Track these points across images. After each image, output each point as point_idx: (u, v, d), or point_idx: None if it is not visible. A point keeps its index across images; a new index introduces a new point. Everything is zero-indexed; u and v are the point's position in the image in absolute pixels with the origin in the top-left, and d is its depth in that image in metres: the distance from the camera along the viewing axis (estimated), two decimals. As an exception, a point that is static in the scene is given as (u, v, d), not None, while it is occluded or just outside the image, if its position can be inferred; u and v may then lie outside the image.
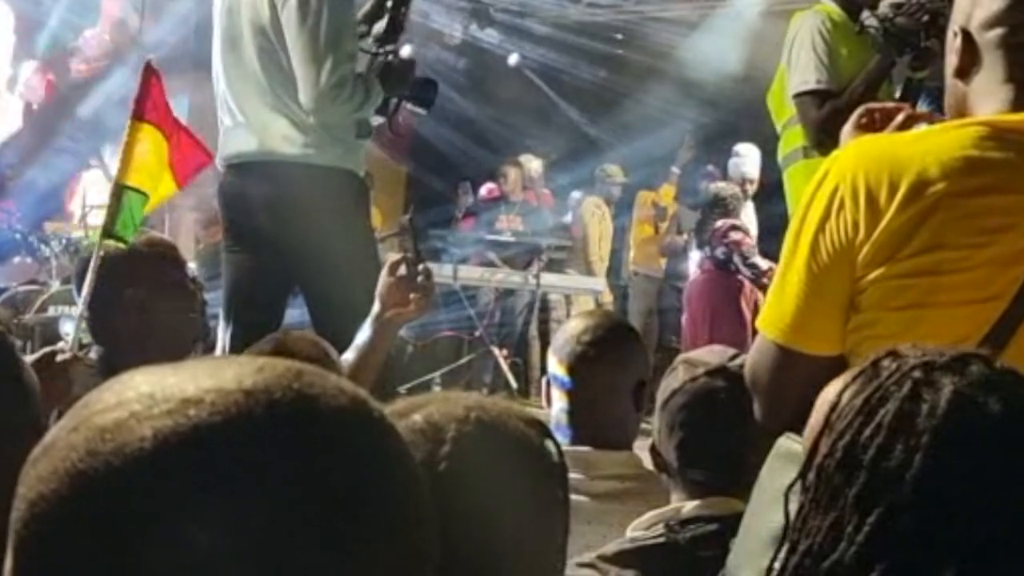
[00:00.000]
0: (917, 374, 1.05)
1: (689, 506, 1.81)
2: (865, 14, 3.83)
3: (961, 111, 1.56)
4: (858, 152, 1.53)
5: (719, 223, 6.64)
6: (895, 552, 1.00)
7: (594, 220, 8.76)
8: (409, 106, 3.78)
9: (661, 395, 1.92)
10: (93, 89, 7.92)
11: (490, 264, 8.28)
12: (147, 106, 2.60)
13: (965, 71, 1.54)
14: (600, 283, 8.48)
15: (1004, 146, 1.43)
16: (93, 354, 2.46)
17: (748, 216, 7.09)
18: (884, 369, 1.08)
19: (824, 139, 3.56)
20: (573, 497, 2.07)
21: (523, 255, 8.38)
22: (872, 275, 1.44)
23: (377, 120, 3.70)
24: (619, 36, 10.12)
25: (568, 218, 9.07)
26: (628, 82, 9.98)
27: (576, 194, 9.29)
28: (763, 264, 6.24)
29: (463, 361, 8.06)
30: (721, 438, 1.82)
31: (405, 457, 0.71)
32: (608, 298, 8.62)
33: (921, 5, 3.53)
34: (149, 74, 2.64)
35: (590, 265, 8.68)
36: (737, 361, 1.85)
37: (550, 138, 10.01)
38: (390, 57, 3.67)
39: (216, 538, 0.61)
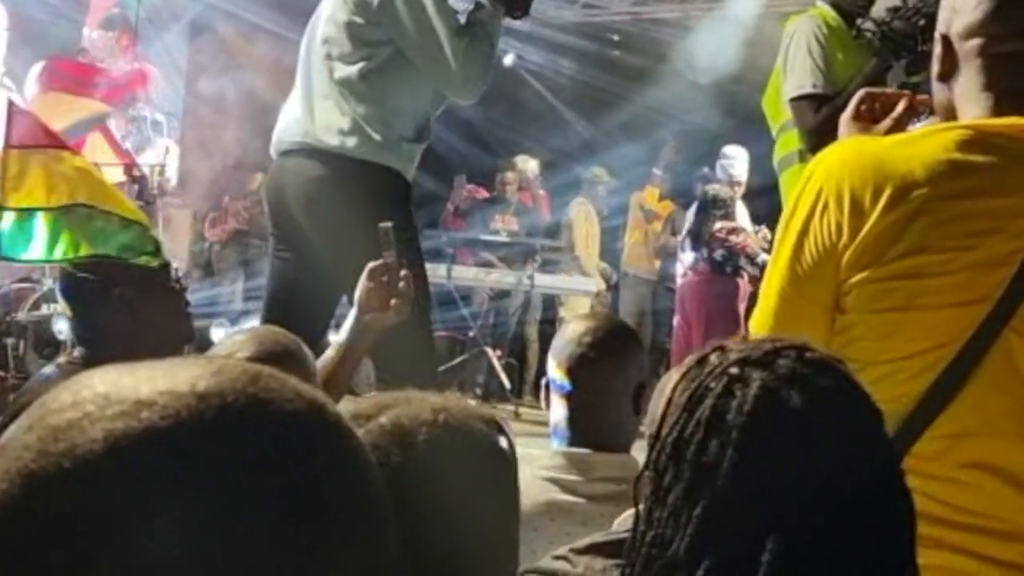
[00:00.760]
0: (733, 370, 1.10)
1: None
2: (860, 19, 3.84)
3: (947, 114, 1.58)
4: (843, 155, 1.53)
5: (718, 226, 6.64)
6: (719, 543, 1.05)
7: (579, 219, 8.80)
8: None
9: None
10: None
11: (486, 264, 8.29)
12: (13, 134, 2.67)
13: (946, 76, 1.55)
14: (594, 284, 8.50)
15: (988, 150, 1.43)
16: (77, 353, 2.46)
17: (743, 217, 7.10)
18: (708, 364, 1.13)
19: (820, 143, 3.56)
20: (570, 498, 2.09)
21: (518, 255, 8.40)
22: (856, 278, 1.44)
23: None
24: (615, 37, 10.13)
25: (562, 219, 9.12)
26: (624, 83, 9.99)
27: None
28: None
29: (456, 361, 8.06)
30: None
31: (362, 461, 0.71)
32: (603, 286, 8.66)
33: (917, 9, 3.53)
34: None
35: (579, 263, 8.71)
36: None
37: (545, 139, 10.01)
38: None
39: (165, 542, 0.61)
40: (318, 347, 2.59)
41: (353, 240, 3.14)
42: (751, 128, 5.70)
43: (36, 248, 2.60)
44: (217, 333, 7.47)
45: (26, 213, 2.59)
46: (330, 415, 0.70)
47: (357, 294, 2.53)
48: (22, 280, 6.56)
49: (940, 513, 1.40)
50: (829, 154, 1.56)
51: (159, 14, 9.16)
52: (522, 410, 7.36)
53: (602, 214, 9.02)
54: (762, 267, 6.34)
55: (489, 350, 7.84)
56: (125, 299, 2.38)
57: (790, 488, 1.05)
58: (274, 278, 3.60)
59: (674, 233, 8.47)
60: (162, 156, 7.26)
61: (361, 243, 3.20)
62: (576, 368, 2.15)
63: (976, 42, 1.50)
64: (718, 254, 6.54)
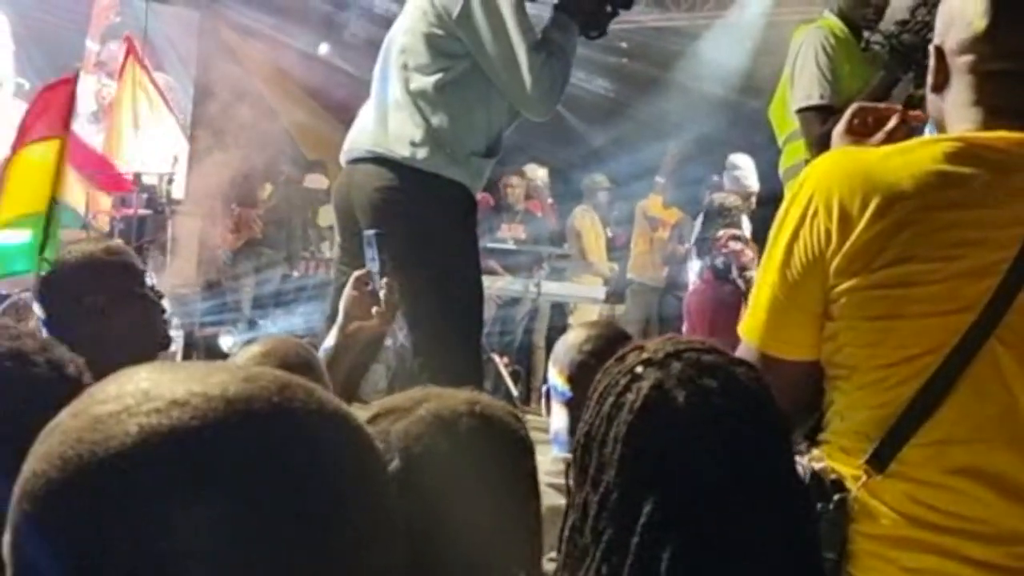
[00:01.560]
0: (638, 369, 1.21)
1: None
2: (868, 31, 3.86)
3: (940, 124, 1.60)
4: (834, 164, 1.55)
5: (720, 232, 6.65)
6: (613, 526, 1.16)
7: (586, 226, 8.82)
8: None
9: None
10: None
11: (490, 272, 8.30)
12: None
13: (939, 88, 1.57)
14: (600, 291, 8.51)
15: (976, 162, 1.45)
16: None
17: (745, 227, 7.10)
18: (623, 362, 1.24)
19: None
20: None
21: (525, 263, 8.41)
22: (845, 285, 1.46)
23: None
24: (624, 45, 10.14)
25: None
26: (632, 92, 10.00)
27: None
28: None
29: (464, 368, 8.05)
30: None
31: (380, 472, 0.74)
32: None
33: (926, 23, 3.53)
34: None
35: (592, 267, 8.72)
36: None
37: (553, 148, 10.02)
38: None
39: (183, 537, 0.64)
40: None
41: (413, 252, 3.15)
42: (757, 136, 5.72)
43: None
44: (226, 341, 7.50)
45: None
46: (353, 426, 0.73)
47: (342, 303, 2.54)
48: (26, 290, 6.58)
49: (928, 518, 1.43)
50: (821, 163, 1.59)
51: (166, 22, 9.21)
52: (529, 417, 7.35)
53: (605, 221, 9.03)
54: (747, 282, 6.36)
55: (496, 357, 7.85)
56: (97, 307, 2.36)
57: (670, 479, 1.15)
58: (338, 292, 3.60)
59: (681, 241, 8.48)
60: (171, 165, 7.29)
61: (421, 255, 3.22)
62: (577, 375, 2.17)
63: (968, 58, 1.52)
64: (719, 261, 6.55)
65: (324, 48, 10.11)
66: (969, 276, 1.41)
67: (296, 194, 9.50)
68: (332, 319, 3.45)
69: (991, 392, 1.41)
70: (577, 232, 8.83)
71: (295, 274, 8.74)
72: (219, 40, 9.69)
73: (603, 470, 1.18)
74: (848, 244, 1.45)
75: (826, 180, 1.51)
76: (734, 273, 6.48)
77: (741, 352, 1.59)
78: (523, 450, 1.38)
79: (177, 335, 7.17)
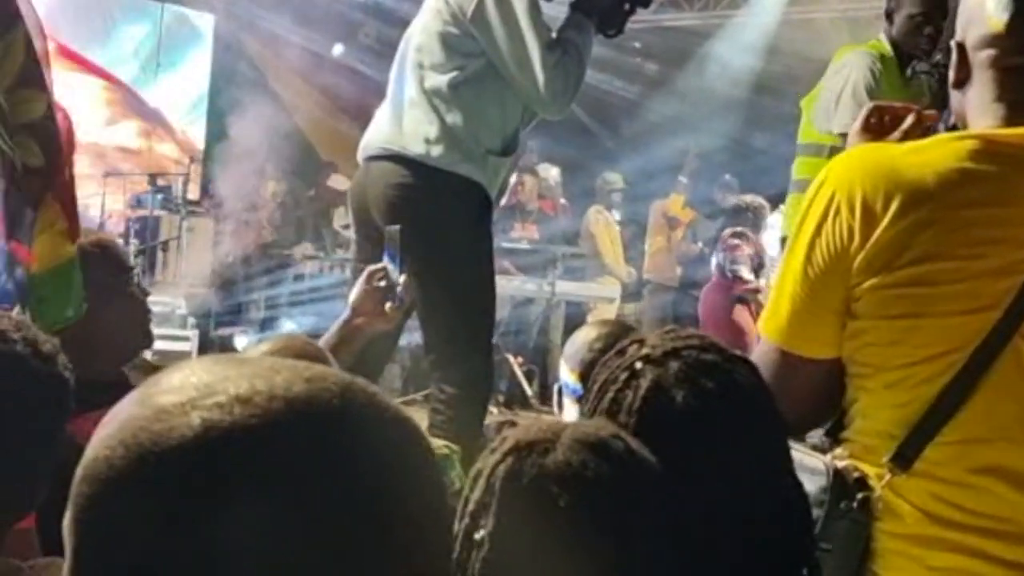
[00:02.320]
0: (637, 365, 1.20)
1: None
2: (916, 60, 3.88)
3: (963, 121, 1.59)
4: (856, 161, 1.54)
5: (727, 231, 6.66)
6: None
7: (599, 225, 8.81)
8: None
9: None
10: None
11: (503, 272, 8.30)
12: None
13: (960, 83, 1.56)
14: (615, 291, 8.51)
15: (999, 159, 1.44)
16: None
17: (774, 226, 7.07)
18: (624, 355, 1.23)
19: None
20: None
21: (539, 263, 8.41)
22: (867, 283, 1.45)
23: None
24: (637, 45, 10.14)
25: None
26: (645, 91, 10.00)
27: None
28: (746, 276, 6.27)
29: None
30: None
31: (437, 475, 0.74)
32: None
33: None
34: None
35: (608, 267, 8.71)
36: None
37: (566, 147, 10.02)
38: None
39: (236, 533, 0.64)
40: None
41: (426, 248, 3.16)
42: (770, 135, 5.72)
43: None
44: (240, 341, 7.53)
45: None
46: (412, 429, 0.73)
47: (352, 296, 2.53)
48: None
49: (952, 516, 1.42)
50: (842, 160, 1.58)
51: (181, 26, 9.24)
52: (545, 416, 7.36)
53: (618, 220, 9.02)
54: (735, 277, 6.35)
55: (511, 357, 7.86)
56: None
57: (670, 474, 1.13)
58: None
59: (695, 240, 8.48)
60: (186, 167, 7.32)
61: (434, 252, 3.23)
62: (589, 372, 2.17)
63: (989, 53, 1.51)
64: (720, 258, 6.56)
65: (339, 49, 10.13)
66: (992, 275, 1.40)
67: (310, 194, 9.53)
68: None
69: (1015, 391, 1.40)
70: (591, 234, 8.83)
71: (307, 273, 8.75)
72: (234, 41, 9.71)
73: None
74: (871, 242, 1.44)
75: (848, 177, 1.50)
76: (728, 268, 6.48)
77: (762, 350, 1.59)
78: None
79: (192, 335, 7.20)
